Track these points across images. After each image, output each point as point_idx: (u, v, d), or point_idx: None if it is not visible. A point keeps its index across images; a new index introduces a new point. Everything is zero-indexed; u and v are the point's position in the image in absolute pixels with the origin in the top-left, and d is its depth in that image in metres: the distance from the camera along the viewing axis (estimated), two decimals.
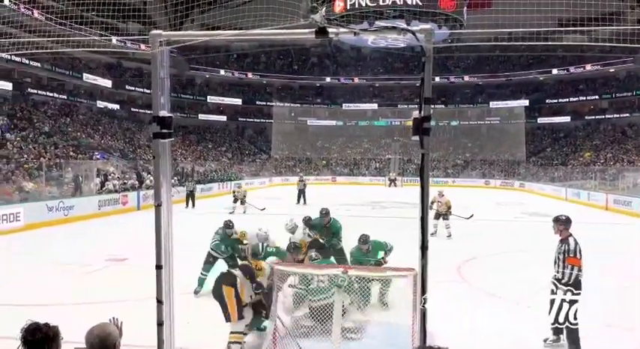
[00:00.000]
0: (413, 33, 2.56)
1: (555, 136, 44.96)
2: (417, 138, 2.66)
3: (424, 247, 2.74)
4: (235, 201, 19.29)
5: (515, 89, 46.70)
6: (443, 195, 13.14)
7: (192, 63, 42.94)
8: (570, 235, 5.38)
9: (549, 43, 27.26)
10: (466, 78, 47.26)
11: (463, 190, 33.22)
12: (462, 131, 47.89)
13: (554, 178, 34.92)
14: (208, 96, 46.44)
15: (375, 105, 50.21)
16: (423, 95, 2.62)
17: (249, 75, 47.69)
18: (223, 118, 47.53)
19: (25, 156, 22.01)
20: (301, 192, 22.68)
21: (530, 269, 8.26)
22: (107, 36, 26.89)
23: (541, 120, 45.82)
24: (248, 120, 49.09)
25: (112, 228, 15.08)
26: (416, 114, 2.67)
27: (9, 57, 27.24)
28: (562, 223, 5.46)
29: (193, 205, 20.54)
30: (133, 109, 39.49)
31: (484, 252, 11.00)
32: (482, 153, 45.48)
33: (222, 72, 45.98)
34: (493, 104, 47.35)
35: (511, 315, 6.38)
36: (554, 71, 43.73)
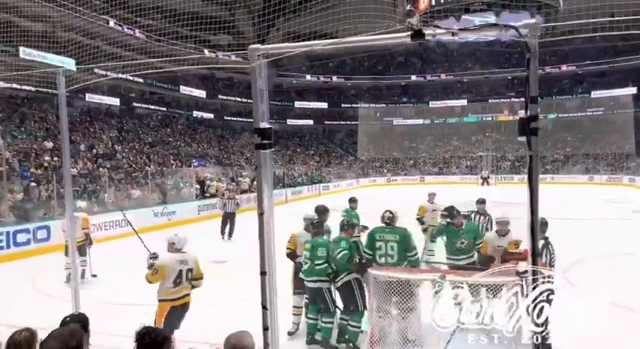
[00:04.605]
0: (516, 29, 2.42)
1: None
2: (523, 139, 2.50)
3: (535, 254, 2.57)
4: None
5: (621, 76, 42.91)
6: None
7: (279, 69, 44.23)
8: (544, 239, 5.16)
9: None
10: (563, 67, 44.23)
11: (564, 187, 31.15)
12: (561, 124, 44.80)
13: None
14: (295, 102, 47.56)
15: (464, 101, 48.61)
16: (529, 93, 2.46)
17: (334, 78, 48.18)
18: (310, 122, 48.44)
19: (133, 165, 23.86)
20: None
21: None
22: (208, 50, 28.41)
23: None
24: (333, 122, 49.62)
25: (210, 232, 15.81)
26: (522, 113, 2.52)
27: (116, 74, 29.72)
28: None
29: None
30: (225, 118, 41.44)
31: (591, 254, 10.26)
32: (585, 146, 42.31)
33: (307, 77, 46.89)
34: (595, 94, 44.00)
35: (625, 323, 5.85)
36: None
